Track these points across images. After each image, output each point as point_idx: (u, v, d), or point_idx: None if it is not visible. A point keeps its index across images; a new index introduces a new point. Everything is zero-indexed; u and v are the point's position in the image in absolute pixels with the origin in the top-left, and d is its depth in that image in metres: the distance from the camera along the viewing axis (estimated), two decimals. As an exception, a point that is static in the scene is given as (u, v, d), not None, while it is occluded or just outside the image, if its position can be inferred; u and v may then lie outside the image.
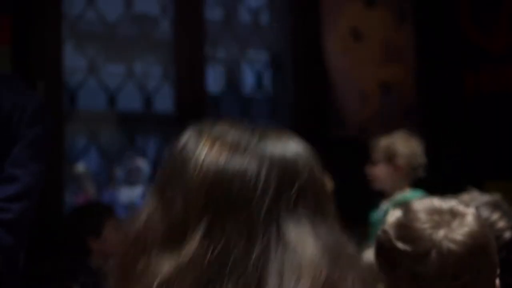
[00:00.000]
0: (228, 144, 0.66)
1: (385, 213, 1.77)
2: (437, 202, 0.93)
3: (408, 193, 2.43)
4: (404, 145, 2.53)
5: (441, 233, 0.87)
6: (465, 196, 1.39)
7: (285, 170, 0.65)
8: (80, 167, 3.15)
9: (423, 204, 0.93)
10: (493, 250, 0.93)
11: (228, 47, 3.39)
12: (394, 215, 0.94)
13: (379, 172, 2.52)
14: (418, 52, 3.65)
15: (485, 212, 1.30)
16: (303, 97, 3.34)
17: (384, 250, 0.92)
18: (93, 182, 3.28)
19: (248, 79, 3.49)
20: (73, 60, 2.77)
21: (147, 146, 3.51)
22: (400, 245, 0.89)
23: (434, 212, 0.90)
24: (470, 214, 0.92)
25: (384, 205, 2.44)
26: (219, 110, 3.19)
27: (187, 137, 0.69)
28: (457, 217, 0.90)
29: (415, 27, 3.66)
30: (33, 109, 1.49)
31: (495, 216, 1.30)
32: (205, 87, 3.09)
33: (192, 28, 3.01)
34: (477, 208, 1.33)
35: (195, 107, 3.01)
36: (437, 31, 3.65)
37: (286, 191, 0.63)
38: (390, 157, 2.50)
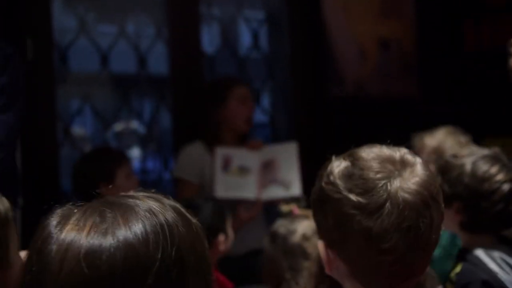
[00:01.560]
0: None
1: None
2: (386, 150, 0.88)
3: None
4: (454, 145, 2.25)
5: (395, 183, 0.83)
6: (464, 150, 1.37)
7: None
8: (76, 129, 3.11)
9: (373, 152, 0.88)
10: (442, 198, 0.88)
11: (223, 5, 3.30)
12: (339, 165, 0.88)
13: None
14: (417, 7, 3.57)
15: (484, 165, 1.29)
16: (300, 56, 3.27)
17: (331, 204, 0.85)
18: (89, 144, 3.24)
19: (245, 38, 3.41)
20: (63, 20, 2.70)
21: (142, 108, 3.46)
22: (352, 197, 0.83)
23: (385, 160, 0.86)
24: (419, 163, 0.87)
25: None
26: (215, 70, 3.13)
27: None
28: (408, 167, 0.85)
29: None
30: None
31: (494, 169, 1.29)
32: (200, 47, 3.02)
33: (185, -15, 2.92)
34: (477, 160, 1.31)
35: (190, 68, 2.95)
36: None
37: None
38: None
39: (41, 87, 2.49)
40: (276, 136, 3.24)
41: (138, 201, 0.66)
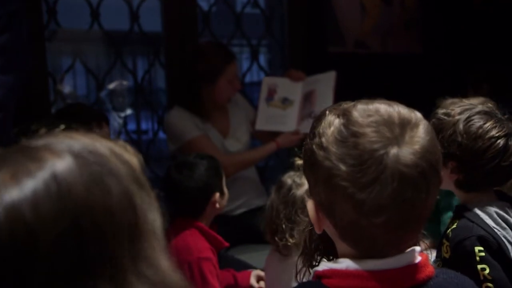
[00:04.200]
0: None
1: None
2: (384, 110, 0.79)
3: None
4: None
5: (392, 153, 0.75)
6: (459, 106, 1.34)
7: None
8: (67, 87, 3.07)
9: (369, 114, 0.79)
10: (441, 165, 0.82)
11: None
12: (332, 125, 0.80)
13: None
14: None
15: (477, 122, 1.26)
16: (298, 11, 3.19)
17: (322, 170, 0.79)
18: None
19: (241, -6, 3.33)
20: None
21: (136, 67, 3.41)
22: (344, 168, 0.76)
23: (383, 125, 0.77)
24: (421, 124, 0.80)
25: None
26: (211, 27, 3.05)
27: None
28: (408, 130, 0.78)
29: None
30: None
31: (487, 125, 1.26)
32: (195, 2, 2.94)
33: None
34: (470, 117, 1.27)
35: (185, 25, 2.88)
36: None
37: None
38: None
39: (30, 43, 2.43)
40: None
41: (47, 151, 0.54)
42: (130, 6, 2.84)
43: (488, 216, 1.25)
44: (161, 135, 2.89)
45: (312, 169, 0.82)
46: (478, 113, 1.29)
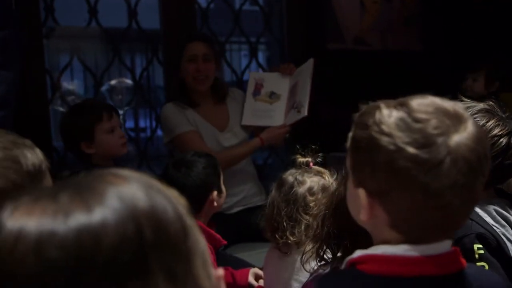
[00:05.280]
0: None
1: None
2: (439, 102, 0.84)
3: None
4: None
5: (454, 138, 0.80)
6: (461, 104, 1.33)
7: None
8: (66, 84, 3.06)
9: (427, 104, 0.84)
10: (490, 154, 0.88)
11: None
12: (391, 115, 0.83)
13: None
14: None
15: (480, 121, 1.26)
16: (297, 8, 3.18)
17: (383, 154, 0.81)
18: (80, 100, 3.18)
19: (240, -10, 3.32)
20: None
21: (134, 64, 3.40)
22: (411, 150, 0.79)
23: (442, 114, 0.82)
24: (469, 118, 0.85)
25: None
26: (209, 24, 3.04)
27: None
28: (462, 121, 0.83)
29: None
30: None
31: (491, 123, 1.25)
32: None
33: None
34: (472, 115, 1.27)
35: (183, 22, 2.87)
36: None
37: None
38: None
39: (28, 41, 2.42)
40: (272, 91, 3.18)
41: (111, 183, 0.58)
42: (128, 3, 2.83)
43: (487, 214, 1.25)
44: (159, 132, 2.88)
45: (372, 155, 0.83)
46: (480, 111, 1.29)
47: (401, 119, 0.82)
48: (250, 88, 2.62)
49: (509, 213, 1.27)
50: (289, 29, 3.19)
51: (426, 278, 0.83)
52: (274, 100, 2.60)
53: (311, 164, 1.60)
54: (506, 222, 1.25)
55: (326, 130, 2.77)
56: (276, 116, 2.58)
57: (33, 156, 0.94)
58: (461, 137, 0.81)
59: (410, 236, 0.84)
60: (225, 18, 3.15)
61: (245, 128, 2.63)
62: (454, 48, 3.48)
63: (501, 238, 1.22)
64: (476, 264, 1.17)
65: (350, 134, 0.88)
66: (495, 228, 1.23)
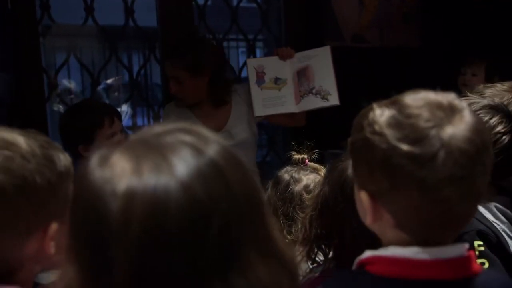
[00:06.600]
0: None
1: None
2: (432, 96, 0.83)
3: None
4: None
5: (447, 130, 0.78)
6: (465, 99, 1.31)
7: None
8: (63, 82, 3.04)
9: (419, 99, 0.82)
10: (491, 144, 0.85)
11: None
12: (383, 114, 0.82)
13: None
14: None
15: (484, 116, 1.24)
16: (295, 5, 3.16)
17: (378, 154, 0.80)
18: (77, 98, 3.17)
19: (237, -12, 3.29)
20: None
21: (131, 62, 3.38)
22: (404, 146, 0.78)
23: (434, 107, 0.81)
24: (466, 108, 0.83)
25: None
26: (207, 21, 3.02)
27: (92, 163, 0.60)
28: (456, 112, 0.81)
29: None
30: None
31: (494, 119, 1.23)
32: (190, -3, 2.92)
33: None
34: (476, 111, 1.25)
35: (180, 19, 2.85)
36: None
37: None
38: None
39: (24, 39, 2.40)
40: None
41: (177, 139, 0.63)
42: (124, 0, 2.81)
43: (488, 211, 1.23)
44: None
45: (367, 156, 0.83)
46: (484, 107, 1.27)
47: (392, 117, 0.81)
48: (252, 77, 2.50)
49: (509, 209, 1.26)
50: (287, 26, 3.17)
51: (435, 282, 0.81)
52: (281, 85, 2.51)
53: (306, 161, 1.58)
54: (507, 219, 1.24)
55: (325, 127, 2.75)
56: (288, 101, 2.50)
57: (64, 158, 0.96)
58: (456, 128, 0.79)
59: (417, 236, 0.82)
60: (223, 15, 3.12)
61: (247, 130, 2.48)
62: (453, 45, 3.46)
63: (502, 235, 1.21)
64: (476, 261, 1.16)
65: (349, 139, 0.88)
66: (495, 224, 1.21)
